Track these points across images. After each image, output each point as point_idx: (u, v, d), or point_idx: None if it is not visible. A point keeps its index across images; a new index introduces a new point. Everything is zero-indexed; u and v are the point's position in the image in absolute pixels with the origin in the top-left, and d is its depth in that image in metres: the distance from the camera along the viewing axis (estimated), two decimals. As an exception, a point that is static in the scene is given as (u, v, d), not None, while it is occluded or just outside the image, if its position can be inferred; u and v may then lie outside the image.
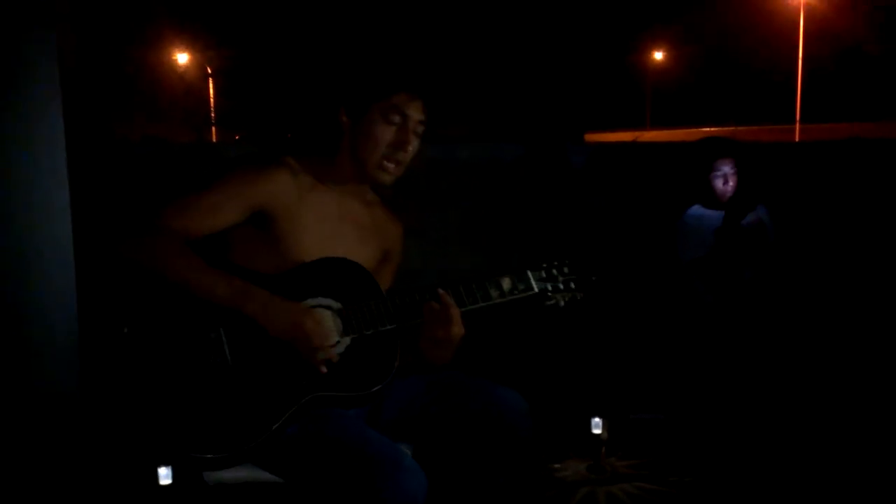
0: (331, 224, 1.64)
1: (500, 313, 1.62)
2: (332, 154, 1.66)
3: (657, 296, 2.99)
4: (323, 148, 1.68)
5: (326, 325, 1.51)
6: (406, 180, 1.70)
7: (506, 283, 1.59)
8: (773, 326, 2.74)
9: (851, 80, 21.79)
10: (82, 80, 1.91)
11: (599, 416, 2.42)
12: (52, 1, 1.73)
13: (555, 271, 1.63)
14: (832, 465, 2.39)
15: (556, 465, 2.46)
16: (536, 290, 1.61)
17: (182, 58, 19.88)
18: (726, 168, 2.80)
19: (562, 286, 1.63)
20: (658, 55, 28.38)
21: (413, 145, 1.61)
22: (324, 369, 1.50)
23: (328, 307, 1.54)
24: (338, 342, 1.52)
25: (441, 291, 1.53)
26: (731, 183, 2.80)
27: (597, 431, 2.41)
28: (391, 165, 1.61)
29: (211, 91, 19.38)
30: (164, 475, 1.71)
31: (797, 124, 21.41)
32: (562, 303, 1.64)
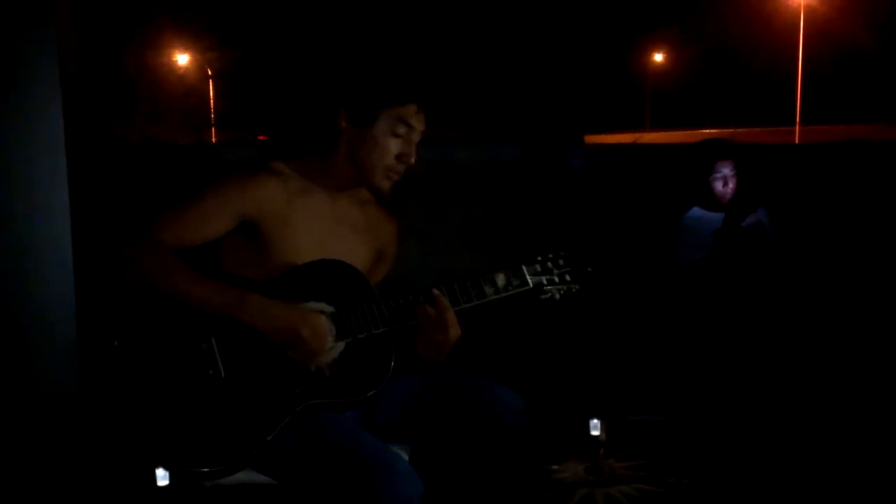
0: (324, 226, 1.63)
1: (497, 312, 1.61)
2: (325, 155, 1.65)
3: (656, 297, 2.99)
4: (315, 149, 1.67)
5: (323, 330, 1.50)
6: (405, 182, 1.70)
7: (500, 279, 1.58)
8: (772, 329, 2.74)
9: (851, 81, 21.81)
10: (82, 80, 1.91)
11: (598, 418, 2.42)
12: (52, 1, 1.73)
13: (550, 264, 1.62)
14: (831, 467, 2.39)
15: (555, 467, 2.46)
16: (531, 284, 1.60)
17: (182, 59, 19.88)
18: (726, 170, 2.80)
19: (557, 279, 1.62)
20: (658, 57, 28.41)
21: (415, 156, 1.62)
22: (327, 372, 1.50)
23: (321, 311, 1.53)
24: (332, 347, 1.52)
25: (435, 292, 1.53)
26: (730, 185, 2.81)
27: (595, 433, 2.41)
28: (395, 175, 1.62)
29: (211, 92, 19.39)
30: (162, 476, 1.71)
31: (797, 126, 21.43)
32: (557, 296, 1.63)
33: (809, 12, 22.77)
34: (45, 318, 1.74)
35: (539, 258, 1.63)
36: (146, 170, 2.55)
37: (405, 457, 1.58)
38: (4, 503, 1.73)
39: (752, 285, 2.79)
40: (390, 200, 1.75)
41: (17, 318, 1.73)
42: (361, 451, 1.41)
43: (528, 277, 1.60)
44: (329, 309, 1.53)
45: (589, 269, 1.64)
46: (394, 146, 1.59)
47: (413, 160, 1.61)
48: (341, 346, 1.52)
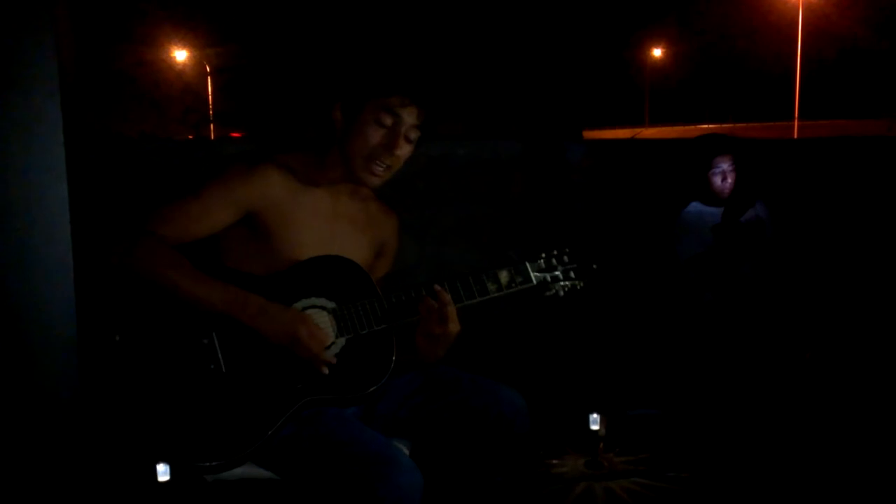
0: (324, 221, 1.62)
1: (498, 307, 1.61)
2: (324, 151, 1.65)
3: (655, 292, 3.00)
4: (315, 144, 1.67)
5: (322, 330, 1.50)
6: (404, 179, 1.70)
7: (503, 277, 1.58)
8: (771, 323, 2.74)
9: (850, 76, 21.79)
10: (81, 77, 1.90)
11: (597, 412, 2.42)
12: (50, -2, 1.72)
13: (554, 261, 1.62)
14: (830, 461, 2.40)
15: (554, 461, 2.46)
16: (535, 282, 1.60)
17: (180, 55, 19.85)
18: (725, 165, 2.80)
19: (561, 276, 1.61)
20: (657, 52, 28.37)
21: (402, 150, 1.58)
22: (325, 370, 1.50)
23: (322, 307, 1.52)
24: (333, 343, 1.52)
25: (437, 287, 1.52)
26: (729, 180, 2.81)
27: (594, 427, 2.41)
28: (378, 168, 1.58)
29: (209, 88, 19.36)
30: (163, 472, 1.71)
31: (796, 121, 21.42)
32: (561, 293, 1.62)
33: (808, 7, 22.75)
34: (45, 314, 1.74)
35: (543, 255, 1.62)
36: (145, 166, 2.55)
37: (406, 451, 1.59)
38: (4, 498, 1.73)
39: (750, 280, 2.80)
40: (389, 194, 1.75)
41: (18, 314, 1.73)
42: (362, 445, 1.41)
43: (531, 274, 1.60)
44: (330, 305, 1.53)
45: (594, 267, 1.63)
46: (377, 135, 1.56)
47: (399, 153, 1.57)
48: (342, 342, 1.52)
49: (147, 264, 1.46)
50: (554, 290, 1.61)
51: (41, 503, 1.74)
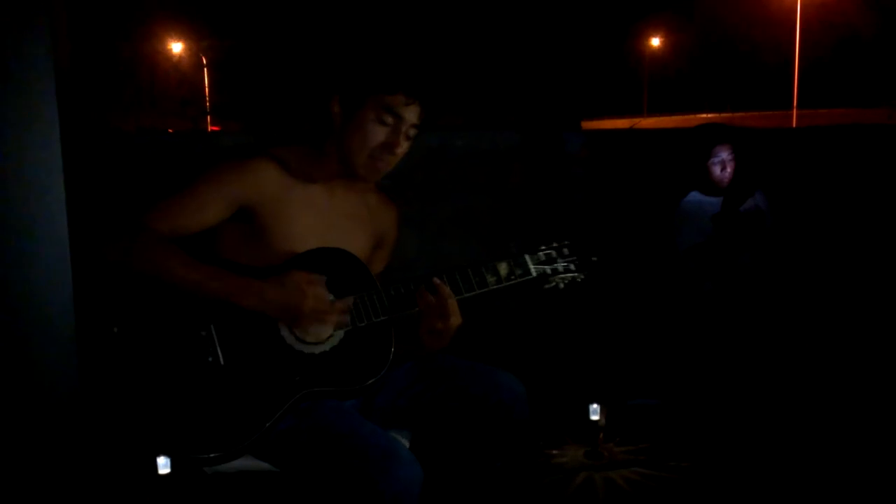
0: (321, 214, 1.61)
1: (498, 298, 1.61)
2: (321, 143, 1.63)
3: (655, 282, 2.99)
4: (313, 137, 1.66)
5: (322, 292, 1.49)
6: (403, 170, 1.69)
7: (503, 269, 1.57)
8: (770, 312, 2.75)
9: (849, 65, 21.76)
10: (76, 70, 1.89)
11: (597, 402, 2.42)
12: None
13: (554, 253, 1.61)
14: (830, 450, 2.41)
15: (554, 451, 2.47)
16: (534, 274, 1.59)
17: (176, 47, 19.79)
18: (724, 154, 2.80)
19: (561, 268, 1.61)
20: (655, 42, 28.30)
21: (402, 148, 1.57)
22: (346, 319, 1.49)
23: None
24: (331, 336, 1.52)
25: (436, 280, 1.52)
26: (728, 169, 2.80)
27: (594, 417, 2.41)
28: (379, 164, 1.57)
29: (206, 80, 19.31)
30: (163, 464, 1.71)
31: (794, 110, 21.40)
32: (561, 285, 1.62)
33: (806, -4, 22.69)
34: (43, 307, 1.74)
35: (543, 247, 1.61)
36: (141, 159, 2.54)
37: (405, 443, 1.59)
38: (4, 491, 1.73)
39: (750, 269, 2.80)
40: (387, 185, 1.74)
41: (16, 307, 1.73)
42: (361, 437, 1.41)
43: (531, 267, 1.59)
44: (329, 297, 1.53)
45: (594, 259, 1.62)
46: (379, 134, 1.54)
47: (399, 151, 1.56)
48: (340, 334, 1.52)
49: (144, 258, 1.45)
50: (554, 283, 1.61)
51: (41, 497, 1.74)
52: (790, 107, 21.64)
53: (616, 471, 2.34)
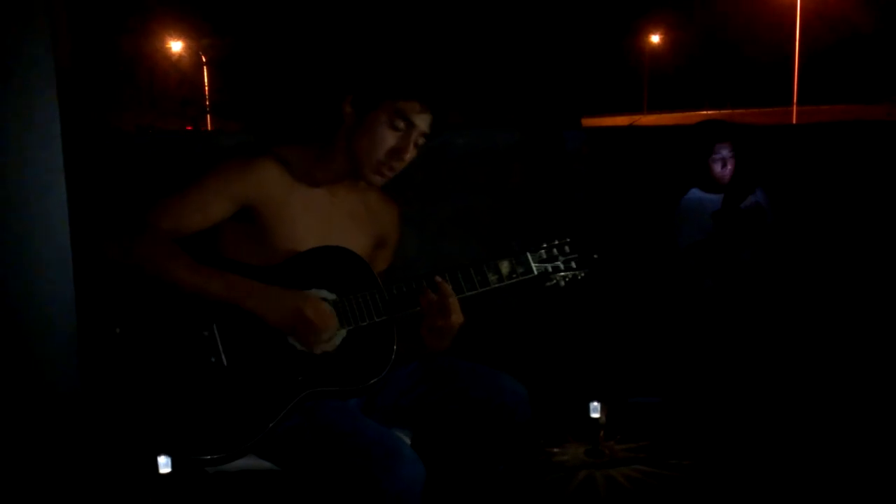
0: (323, 214, 1.61)
1: (499, 297, 1.61)
2: (326, 142, 1.63)
3: (655, 280, 2.99)
4: (317, 136, 1.66)
5: (326, 313, 1.50)
6: (403, 170, 1.69)
7: (504, 267, 1.57)
8: (771, 310, 2.75)
9: (849, 61, 21.73)
10: (77, 70, 1.89)
11: (598, 400, 2.43)
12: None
13: (555, 251, 1.61)
14: (831, 448, 2.41)
15: (555, 450, 2.47)
16: (536, 272, 1.59)
17: (176, 46, 19.78)
18: (724, 151, 2.80)
19: (562, 266, 1.61)
20: (655, 38, 28.27)
21: (410, 154, 1.57)
22: (333, 346, 1.49)
23: (324, 299, 1.52)
24: (334, 335, 1.52)
25: (438, 279, 1.52)
26: (729, 166, 2.80)
27: (595, 415, 2.42)
28: (387, 170, 1.57)
29: (206, 79, 19.30)
30: (164, 464, 1.71)
31: (794, 106, 21.38)
32: (562, 283, 1.62)
33: (806, -8, 22.65)
34: (45, 307, 1.74)
35: (544, 245, 1.61)
36: (141, 158, 2.54)
37: (407, 442, 1.59)
38: (5, 490, 1.73)
39: (750, 267, 2.80)
40: (387, 185, 1.74)
41: (17, 307, 1.73)
42: (364, 436, 1.41)
43: (532, 265, 1.59)
44: (331, 296, 1.53)
45: (595, 256, 1.62)
46: (389, 138, 1.54)
47: (407, 158, 1.56)
48: (343, 333, 1.52)
49: (146, 257, 1.45)
50: (555, 281, 1.61)
51: (42, 496, 1.74)
52: (790, 103, 21.62)
53: (617, 469, 2.34)
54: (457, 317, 1.52)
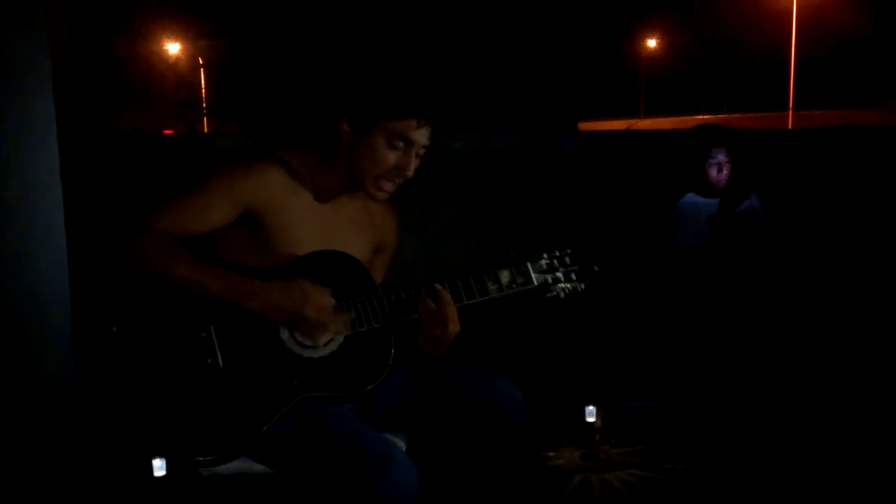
0: (324, 220, 1.61)
1: (498, 306, 1.61)
2: (328, 153, 1.62)
3: (651, 284, 3.00)
4: (318, 144, 1.65)
5: (327, 303, 1.49)
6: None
7: (504, 276, 1.57)
8: (765, 314, 2.75)
9: (844, 66, 21.81)
10: (73, 71, 1.89)
11: (593, 404, 2.43)
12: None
13: (556, 262, 1.61)
14: (826, 452, 2.41)
15: (550, 454, 2.47)
16: (536, 283, 1.59)
17: (173, 48, 19.75)
18: (720, 156, 2.80)
19: (562, 277, 1.61)
20: (651, 43, 28.33)
21: (413, 167, 1.56)
22: (345, 328, 1.48)
23: None
24: (331, 340, 1.52)
25: (437, 287, 1.52)
26: (725, 171, 2.81)
27: (590, 419, 2.41)
28: (388, 185, 1.57)
29: (203, 81, 19.26)
30: (158, 467, 1.71)
31: (790, 111, 21.44)
32: (562, 295, 1.62)
33: (802, -3, 22.73)
34: (41, 306, 1.74)
35: (545, 255, 1.60)
36: (138, 160, 2.54)
37: (402, 446, 1.59)
38: (0, 491, 1.73)
39: (745, 271, 2.80)
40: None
41: (13, 306, 1.73)
42: (358, 440, 1.41)
43: (532, 276, 1.59)
44: (332, 304, 1.52)
45: (596, 268, 1.62)
46: (389, 158, 1.54)
47: (411, 173, 1.56)
48: (340, 339, 1.52)
49: (147, 255, 1.45)
50: (555, 292, 1.61)
51: (37, 496, 1.74)
52: (786, 108, 21.69)
53: (612, 473, 2.34)
54: (454, 326, 1.52)
